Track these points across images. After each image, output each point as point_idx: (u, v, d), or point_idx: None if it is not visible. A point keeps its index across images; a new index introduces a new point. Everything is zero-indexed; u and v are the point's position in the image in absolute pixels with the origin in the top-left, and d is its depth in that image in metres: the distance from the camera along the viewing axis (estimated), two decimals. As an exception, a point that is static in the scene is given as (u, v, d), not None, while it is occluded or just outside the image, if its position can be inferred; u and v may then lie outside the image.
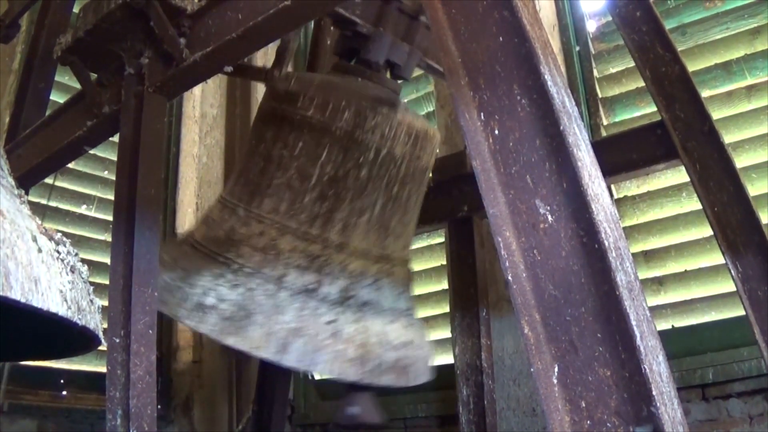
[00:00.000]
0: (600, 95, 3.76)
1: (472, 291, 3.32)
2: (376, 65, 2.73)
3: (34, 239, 1.34)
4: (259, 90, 5.26)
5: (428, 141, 2.77)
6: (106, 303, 1.97)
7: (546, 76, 1.25)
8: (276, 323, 2.32)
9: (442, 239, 3.95)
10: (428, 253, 4.14)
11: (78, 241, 4.04)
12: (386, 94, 2.73)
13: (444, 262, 3.80)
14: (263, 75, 2.66)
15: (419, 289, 3.88)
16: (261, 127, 2.77)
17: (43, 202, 3.94)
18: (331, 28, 3.54)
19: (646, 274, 3.47)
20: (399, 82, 2.91)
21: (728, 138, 3.02)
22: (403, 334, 2.55)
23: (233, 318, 2.33)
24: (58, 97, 3.63)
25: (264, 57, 4.49)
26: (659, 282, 3.46)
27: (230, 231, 2.55)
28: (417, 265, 3.98)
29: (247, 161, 2.75)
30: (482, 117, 1.30)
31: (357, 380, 2.32)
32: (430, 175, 2.99)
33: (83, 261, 1.52)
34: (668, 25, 3.19)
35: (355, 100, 2.60)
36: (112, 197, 2.38)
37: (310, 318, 2.36)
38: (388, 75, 2.86)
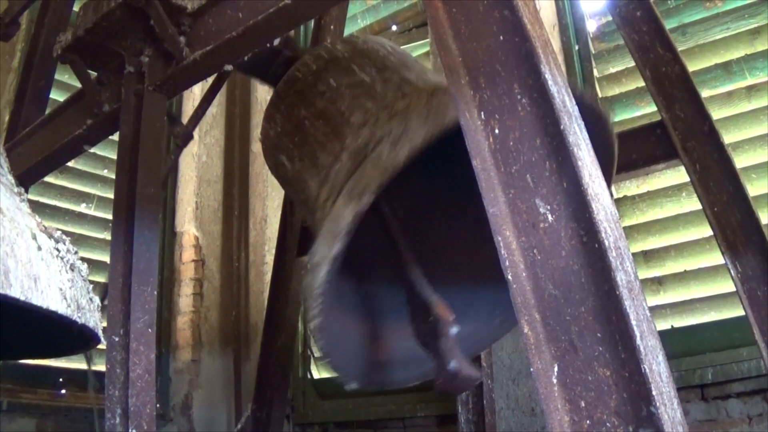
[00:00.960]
0: (600, 95, 3.76)
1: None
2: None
3: (34, 237, 1.34)
4: (259, 89, 5.27)
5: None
6: (105, 302, 1.97)
7: (546, 76, 1.24)
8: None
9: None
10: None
11: (77, 240, 4.04)
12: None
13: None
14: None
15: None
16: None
17: (43, 200, 3.94)
18: (331, 27, 3.55)
19: (645, 273, 3.48)
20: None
21: (728, 138, 3.02)
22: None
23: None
24: (57, 96, 3.63)
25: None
26: (659, 282, 3.47)
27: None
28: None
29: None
30: (482, 116, 1.30)
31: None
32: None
33: (83, 259, 1.52)
34: (668, 24, 3.19)
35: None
36: (111, 196, 2.37)
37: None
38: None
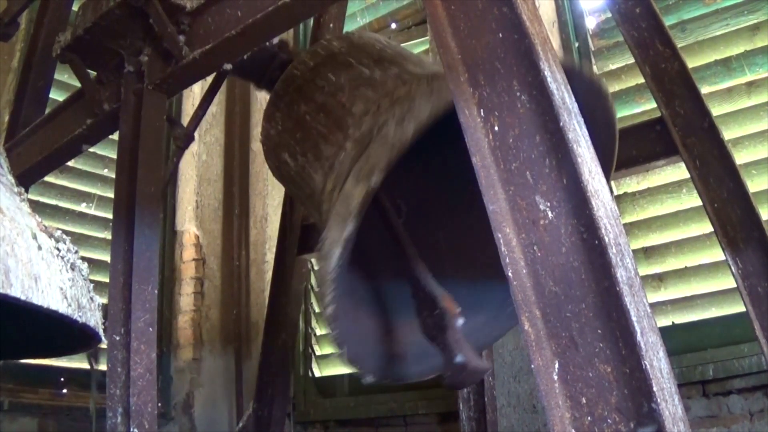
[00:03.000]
0: (600, 92, 3.75)
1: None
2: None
3: (34, 237, 1.34)
4: (259, 87, 5.26)
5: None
6: (106, 301, 1.97)
7: (546, 73, 1.24)
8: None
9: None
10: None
11: (78, 239, 4.04)
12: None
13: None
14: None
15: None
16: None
17: (43, 200, 3.94)
18: (330, 26, 3.54)
19: (646, 270, 3.48)
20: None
21: (728, 134, 3.01)
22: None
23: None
24: (57, 95, 3.63)
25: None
26: (659, 278, 3.47)
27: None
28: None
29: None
30: (482, 113, 1.30)
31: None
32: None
33: (83, 259, 1.52)
34: (668, 21, 3.20)
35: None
36: (111, 195, 2.37)
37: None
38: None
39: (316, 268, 4.67)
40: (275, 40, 2.57)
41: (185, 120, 2.81)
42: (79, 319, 1.39)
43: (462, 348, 2.01)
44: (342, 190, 1.96)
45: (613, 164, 2.29)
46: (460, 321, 2.06)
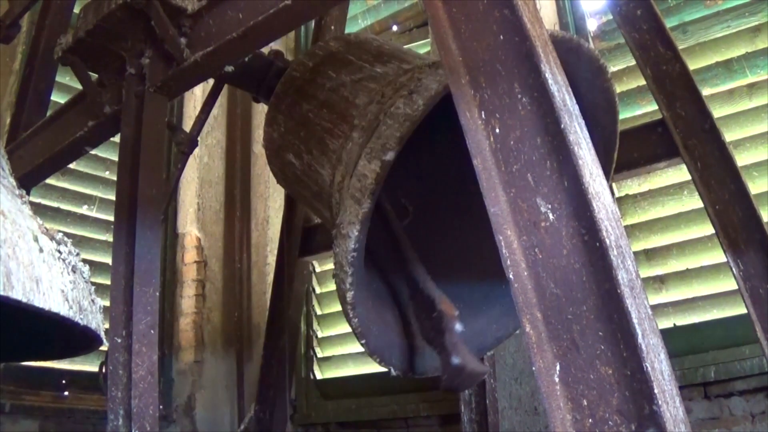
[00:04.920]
0: (601, 94, 3.75)
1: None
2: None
3: (36, 239, 1.34)
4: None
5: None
6: (107, 303, 1.97)
7: (547, 75, 1.24)
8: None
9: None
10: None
11: (79, 242, 4.04)
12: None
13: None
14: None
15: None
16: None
17: (45, 202, 3.94)
18: (332, 28, 3.55)
19: (647, 272, 3.48)
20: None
21: (729, 136, 3.01)
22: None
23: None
24: (58, 98, 3.64)
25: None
26: (661, 280, 3.47)
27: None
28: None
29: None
30: (483, 116, 1.30)
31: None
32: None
33: (85, 261, 1.52)
34: (669, 23, 3.20)
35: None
36: (113, 197, 2.38)
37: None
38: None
39: (318, 269, 4.68)
40: (273, 45, 2.58)
41: (187, 123, 2.82)
42: (80, 321, 1.39)
43: (459, 351, 1.99)
44: (354, 173, 1.93)
45: (615, 148, 2.27)
46: (458, 324, 2.05)
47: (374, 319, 2.13)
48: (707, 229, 3.08)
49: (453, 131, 1.70)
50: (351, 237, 1.79)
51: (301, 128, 2.36)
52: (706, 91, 3.21)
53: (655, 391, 1.03)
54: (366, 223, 1.80)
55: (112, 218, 2.51)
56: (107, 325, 1.89)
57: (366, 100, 2.18)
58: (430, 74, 1.97)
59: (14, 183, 1.62)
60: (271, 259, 4.91)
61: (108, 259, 2.60)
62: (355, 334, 2.01)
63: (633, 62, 3.09)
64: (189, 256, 4.80)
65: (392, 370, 2.16)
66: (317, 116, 2.31)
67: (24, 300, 1.22)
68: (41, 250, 1.34)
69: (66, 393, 3.91)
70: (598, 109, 2.11)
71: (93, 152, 2.90)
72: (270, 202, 5.22)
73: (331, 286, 4.37)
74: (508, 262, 1.21)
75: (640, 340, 1.06)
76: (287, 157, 2.43)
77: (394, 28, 4.91)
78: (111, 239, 2.31)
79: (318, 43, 2.76)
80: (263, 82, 2.65)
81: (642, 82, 3.06)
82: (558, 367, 1.12)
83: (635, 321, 1.07)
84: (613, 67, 3.80)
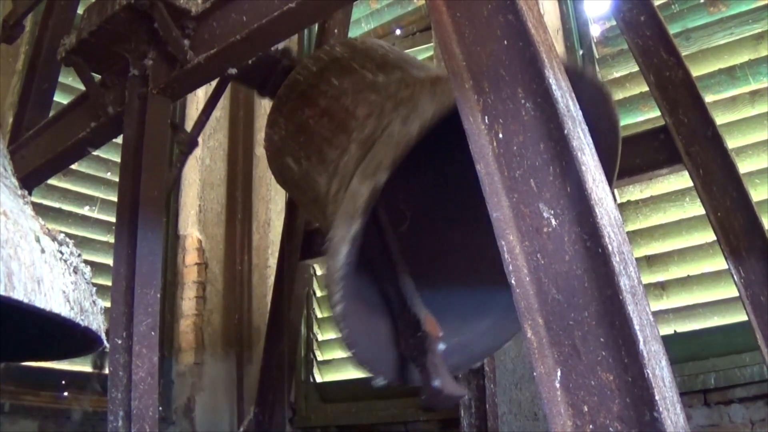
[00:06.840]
0: (603, 99, 3.75)
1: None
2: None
3: (37, 240, 1.34)
4: (263, 92, 5.27)
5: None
6: (108, 304, 1.97)
7: (550, 80, 1.24)
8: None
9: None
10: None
11: (81, 243, 4.04)
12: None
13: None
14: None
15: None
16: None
17: (46, 203, 3.94)
18: (335, 31, 3.55)
19: (649, 278, 3.47)
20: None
21: (731, 143, 3.01)
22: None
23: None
24: (61, 98, 3.64)
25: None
26: (662, 287, 3.46)
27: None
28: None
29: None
30: (486, 121, 1.30)
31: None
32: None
33: (86, 262, 1.52)
34: (672, 29, 3.19)
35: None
36: (115, 198, 2.38)
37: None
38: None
39: (319, 272, 4.68)
40: (280, 46, 2.57)
41: (189, 125, 2.82)
42: (81, 322, 1.39)
43: (440, 373, 2.03)
44: (348, 189, 1.95)
45: (615, 168, 2.28)
46: (441, 345, 2.08)
47: (363, 330, 2.15)
48: (709, 235, 3.08)
49: (455, 135, 1.71)
50: (340, 255, 1.81)
51: (301, 134, 2.37)
52: (708, 98, 3.21)
53: (656, 397, 1.03)
54: (357, 241, 1.81)
55: (113, 219, 2.51)
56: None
57: (366, 112, 2.19)
58: (428, 96, 1.99)
59: (16, 183, 1.62)
60: (272, 261, 4.91)
61: (109, 261, 2.61)
62: (345, 343, 2.03)
63: (636, 68, 3.09)
64: (190, 258, 4.80)
65: (380, 379, 2.17)
66: (317, 124, 2.31)
67: (25, 300, 1.22)
68: (43, 251, 1.34)
69: (65, 393, 3.91)
70: (600, 136, 2.12)
71: (95, 153, 2.90)
72: (271, 204, 5.22)
73: (332, 290, 4.37)
74: (510, 268, 1.21)
75: (641, 346, 1.06)
76: (286, 160, 2.44)
77: (398, 31, 4.91)
78: (112, 240, 2.31)
79: (324, 47, 2.76)
80: (269, 79, 2.65)
81: (645, 88, 3.06)
82: (559, 373, 1.12)
83: (637, 327, 1.07)
84: (615, 73, 3.80)
